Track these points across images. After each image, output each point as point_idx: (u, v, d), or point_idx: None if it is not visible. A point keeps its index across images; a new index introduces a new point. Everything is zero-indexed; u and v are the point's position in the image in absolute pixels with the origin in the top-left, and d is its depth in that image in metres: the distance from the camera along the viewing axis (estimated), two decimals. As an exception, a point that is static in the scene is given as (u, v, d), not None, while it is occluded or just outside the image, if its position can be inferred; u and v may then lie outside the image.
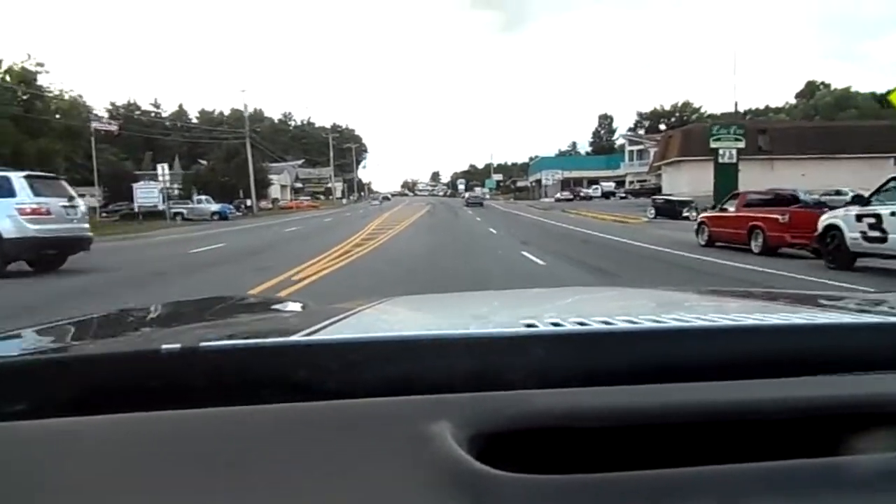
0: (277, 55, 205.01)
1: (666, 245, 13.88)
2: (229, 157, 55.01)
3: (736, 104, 68.59)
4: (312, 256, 12.55)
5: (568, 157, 79.96)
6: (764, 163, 37.43)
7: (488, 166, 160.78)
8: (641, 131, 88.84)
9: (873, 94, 73.96)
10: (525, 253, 12.93)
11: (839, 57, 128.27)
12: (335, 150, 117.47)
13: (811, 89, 79.65)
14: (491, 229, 22.28)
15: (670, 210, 27.84)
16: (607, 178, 69.10)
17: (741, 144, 32.26)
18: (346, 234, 20.65)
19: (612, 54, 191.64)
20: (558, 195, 60.35)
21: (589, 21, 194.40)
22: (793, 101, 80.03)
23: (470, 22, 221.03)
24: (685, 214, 27.15)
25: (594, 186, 62.83)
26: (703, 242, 14.51)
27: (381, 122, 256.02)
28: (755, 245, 12.38)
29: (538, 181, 80.00)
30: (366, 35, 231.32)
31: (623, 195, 53.14)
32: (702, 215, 15.28)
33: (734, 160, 32.06)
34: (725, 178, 31.60)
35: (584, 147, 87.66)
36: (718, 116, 52.13)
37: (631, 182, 59.16)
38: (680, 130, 46.67)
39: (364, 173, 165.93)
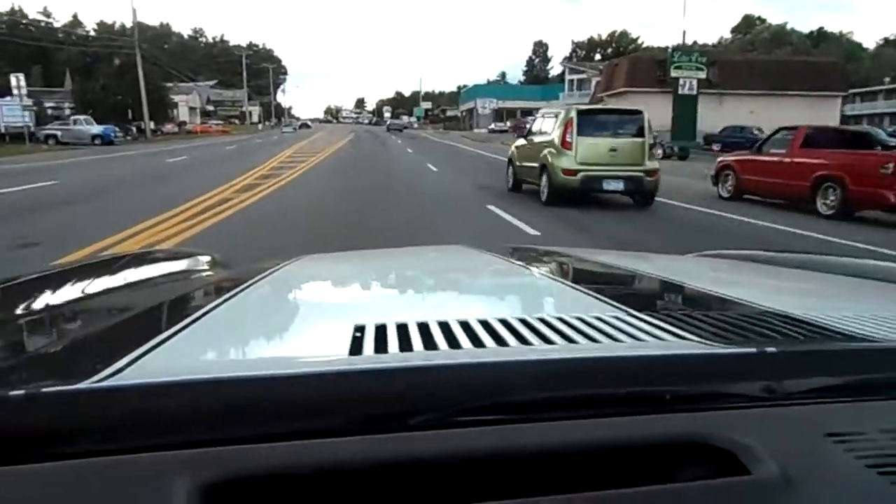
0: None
1: (665, 194, 9.52)
2: (122, 73, 47.20)
3: (684, 34, 65.17)
4: (171, 205, 8.04)
5: (501, 86, 74.99)
6: (711, 97, 34.03)
7: (416, 94, 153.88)
8: (576, 62, 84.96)
9: (811, 33, 72.44)
10: (493, 209, 8.54)
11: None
12: (252, 71, 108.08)
13: (748, 23, 77.34)
14: (430, 165, 18.08)
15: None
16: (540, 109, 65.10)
17: (703, 74, 28.68)
18: (242, 167, 15.87)
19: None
20: (492, 126, 55.93)
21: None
22: (728, 35, 77.60)
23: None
24: (649, 152, 23.39)
25: (530, 118, 58.75)
26: (725, 194, 10.62)
27: (303, 46, 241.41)
28: (824, 204, 8.48)
29: (470, 111, 75.01)
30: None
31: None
32: (727, 158, 11.24)
33: (694, 91, 28.55)
34: (685, 112, 28.17)
35: (515, 77, 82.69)
36: (656, 49, 48.52)
37: None
38: (627, 59, 42.67)
39: (286, 98, 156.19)
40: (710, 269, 1.15)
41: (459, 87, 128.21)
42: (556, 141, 8.61)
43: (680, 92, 28.27)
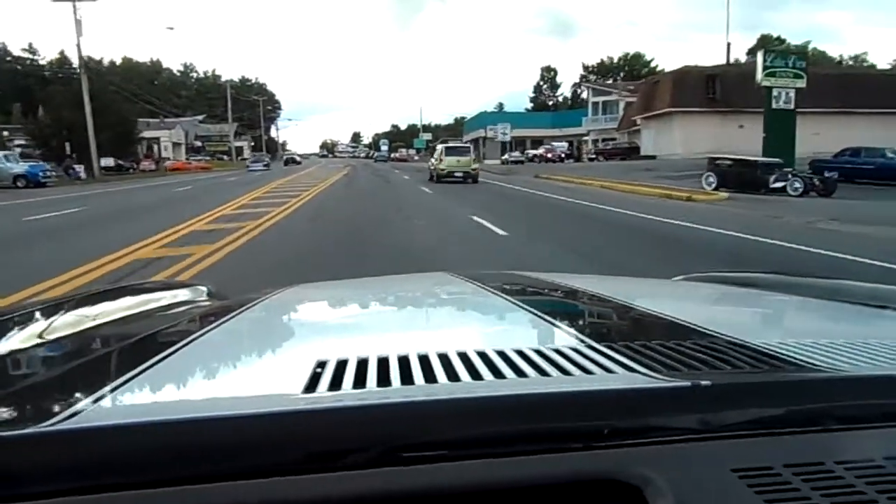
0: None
1: None
2: (78, 105, 40.03)
3: (728, 46, 58.13)
4: None
5: (509, 114, 68.42)
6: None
7: (412, 127, 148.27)
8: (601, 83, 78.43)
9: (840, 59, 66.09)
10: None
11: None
12: (243, 104, 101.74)
13: (764, 44, 70.97)
14: (482, 221, 10.13)
15: (745, 178, 16.52)
16: (554, 138, 58.15)
17: (802, 83, 21.47)
18: (160, 224, 9.41)
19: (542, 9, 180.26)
20: (506, 156, 48.74)
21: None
22: (742, 58, 71.18)
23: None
24: (776, 185, 15.92)
25: (545, 146, 51.50)
26: None
27: (298, 82, 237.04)
28: None
29: (475, 141, 68.11)
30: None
31: (592, 156, 42.04)
32: None
33: (791, 105, 21.40)
34: (781, 132, 20.82)
35: (515, 106, 75.31)
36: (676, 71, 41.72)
37: (594, 141, 47.92)
38: (670, 75, 35.63)
39: (282, 133, 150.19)
40: (683, 296, 1.18)
41: (457, 119, 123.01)
42: (437, 157, 24.01)
43: (774, 106, 21.04)
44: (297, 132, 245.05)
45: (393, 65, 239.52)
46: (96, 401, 0.48)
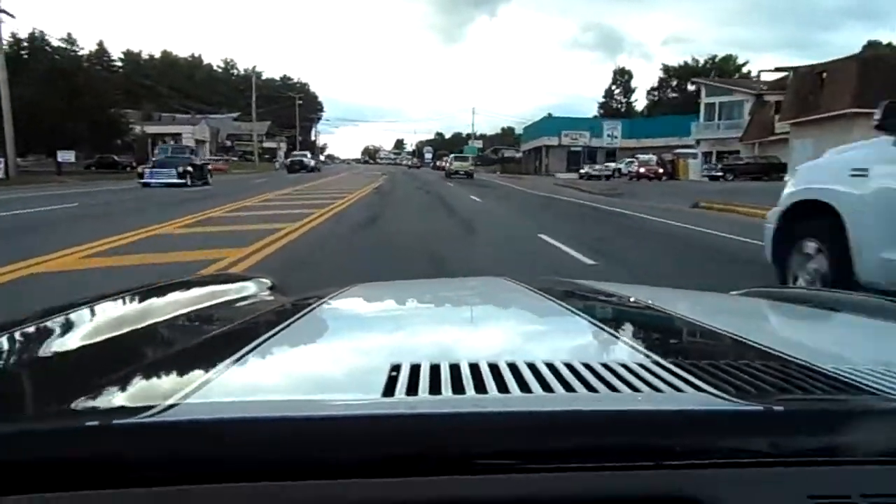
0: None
1: None
2: (50, 84, 31.37)
3: None
4: None
5: (580, 119, 58.23)
6: None
7: (457, 135, 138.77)
8: (669, 93, 67.43)
9: None
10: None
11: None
12: (283, 104, 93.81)
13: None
14: None
15: None
16: (637, 150, 47.67)
17: None
18: None
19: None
20: (586, 169, 38.58)
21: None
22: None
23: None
24: None
25: (627, 160, 40.99)
26: None
27: (344, 87, 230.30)
28: None
29: (536, 150, 57.87)
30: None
31: (716, 174, 31.41)
32: None
33: None
34: None
35: (573, 111, 63.73)
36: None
37: (708, 154, 37.02)
38: (853, 61, 24.71)
39: (324, 137, 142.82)
40: (745, 312, 1.14)
41: (504, 129, 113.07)
42: (449, 161, 41.21)
43: None
44: (339, 137, 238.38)
45: (438, 75, 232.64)
46: (190, 393, 0.50)
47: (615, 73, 71.00)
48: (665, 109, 61.30)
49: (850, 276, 2.96)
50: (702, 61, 64.70)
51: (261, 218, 10.03)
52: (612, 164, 39.84)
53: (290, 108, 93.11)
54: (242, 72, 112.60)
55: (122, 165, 42.84)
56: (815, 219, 3.29)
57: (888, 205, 2.87)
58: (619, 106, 68.17)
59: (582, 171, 39.91)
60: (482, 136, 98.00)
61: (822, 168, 3.58)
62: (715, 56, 64.86)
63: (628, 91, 69.28)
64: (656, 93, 67.33)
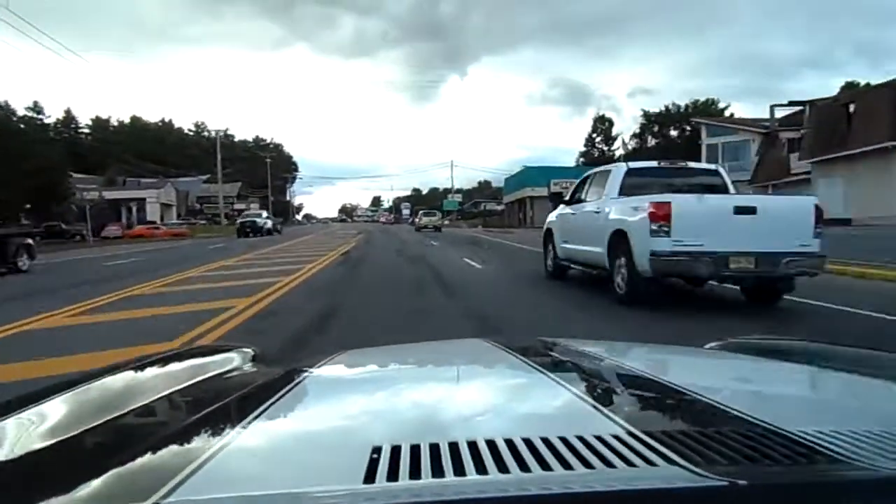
0: (195, 61, 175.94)
1: None
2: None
3: None
4: None
5: (562, 169, 55.47)
6: None
7: (434, 191, 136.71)
8: (651, 139, 65.37)
9: None
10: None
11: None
12: (255, 165, 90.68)
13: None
14: None
15: None
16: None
17: None
18: None
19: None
20: None
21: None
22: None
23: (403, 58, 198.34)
24: None
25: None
26: None
27: (317, 148, 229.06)
28: None
29: (520, 202, 54.74)
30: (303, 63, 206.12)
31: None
32: None
33: None
34: None
35: (548, 163, 60.28)
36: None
37: None
38: (888, 88, 21.82)
39: (303, 198, 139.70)
40: (718, 370, 1.17)
41: (480, 183, 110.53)
42: (419, 216, 45.52)
43: None
44: (317, 197, 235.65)
45: (413, 132, 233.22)
46: (174, 489, 0.51)
47: (595, 120, 69.60)
48: (648, 156, 59.09)
49: (556, 252, 8.64)
50: (683, 105, 63.01)
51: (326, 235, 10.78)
52: None
53: (263, 168, 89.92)
54: (213, 134, 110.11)
55: (70, 234, 38.95)
56: (549, 234, 9.32)
57: (560, 227, 8.79)
58: (601, 154, 65.93)
59: None
60: (459, 191, 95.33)
61: (551, 215, 9.51)
62: (697, 100, 63.27)
63: (609, 138, 67.39)
64: (637, 140, 65.27)
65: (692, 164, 7.83)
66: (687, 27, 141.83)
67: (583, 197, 8.00)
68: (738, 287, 6.68)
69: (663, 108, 64.12)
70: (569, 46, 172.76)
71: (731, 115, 59.59)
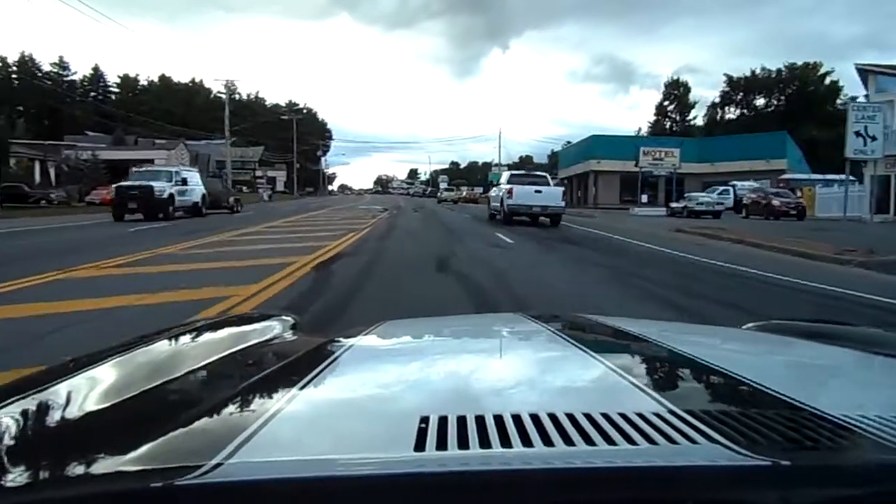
0: (236, 28, 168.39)
1: None
2: None
3: None
4: None
5: (634, 138, 46.18)
6: None
7: (473, 164, 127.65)
8: (733, 109, 55.10)
9: None
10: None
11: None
12: (281, 128, 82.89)
13: None
14: None
15: None
16: (713, 176, 35.67)
17: None
18: None
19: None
20: (684, 203, 26.62)
21: None
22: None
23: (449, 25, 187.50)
24: None
25: (719, 188, 28.69)
26: None
27: (357, 117, 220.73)
28: None
29: (580, 177, 45.69)
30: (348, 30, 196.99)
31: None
32: None
33: None
34: None
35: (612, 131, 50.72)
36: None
37: (890, 179, 23.42)
38: None
39: (341, 169, 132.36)
40: (758, 351, 1.15)
41: (522, 157, 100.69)
42: (440, 191, 56.22)
43: None
44: (354, 168, 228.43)
45: (452, 106, 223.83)
46: (232, 453, 0.51)
47: (667, 85, 58.47)
48: (732, 128, 49.00)
49: (498, 211, 18.73)
50: (774, 71, 52.46)
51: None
52: (704, 196, 27.49)
53: (295, 133, 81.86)
54: (245, 97, 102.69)
55: (35, 198, 31.91)
56: (488, 200, 23.81)
57: (492, 196, 21.25)
58: (674, 124, 55.83)
59: (675, 204, 27.72)
60: (498, 165, 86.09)
61: (491, 192, 23.47)
62: (793, 64, 52.56)
63: (685, 107, 56.76)
64: (717, 109, 54.96)
65: (536, 172, 21.73)
66: (737, 2, 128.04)
67: (497, 184, 20.62)
68: (540, 218, 17.47)
69: (749, 73, 53.64)
70: (613, 22, 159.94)
71: (837, 82, 49.06)
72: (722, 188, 28.94)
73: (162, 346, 1.07)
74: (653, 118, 58.63)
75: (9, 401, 0.74)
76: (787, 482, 0.47)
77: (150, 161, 56.35)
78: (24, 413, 0.74)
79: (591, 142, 44.70)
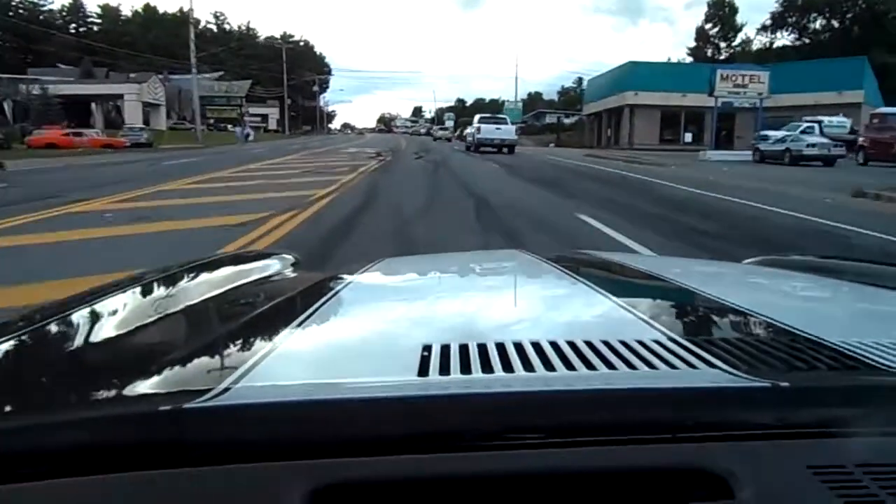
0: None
1: None
2: None
3: None
4: None
5: (675, 64, 39.30)
6: None
7: (479, 101, 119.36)
8: (786, 34, 47.56)
9: None
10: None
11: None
12: (270, 60, 75.37)
13: None
14: None
15: None
16: (781, 110, 29.23)
17: None
18: None
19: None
20: (776, 144, 20.30)
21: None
22: None
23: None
24: None
25: (805, 124, 22.30)
26: None
27: (359, 53, 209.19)
28: None
29: (611, 112, 39.07)
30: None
31: None
32: None
33: None
34: None
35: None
36: None
37: None
38: None
39: (343, 107, 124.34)
40: (758, 284, 1.16)
41: (530, 94, 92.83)
42: (434, 129, 69.69)
43: None
44: (356, 106, 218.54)
45: (457, 41, 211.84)
46: (240, 377, 0.52)
47: (710, 5, 50.05)
48: (789, 56, 41.83)
49: (470, 144, 27.25)
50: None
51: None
52: (813, 136, 21.25)
53: (289, 68, 74.40)
54: (236, 28, 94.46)
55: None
56: (462, 136, 38.28)
57: (468, 133, 30.47)
58: (716, 51, 48.41)
59: (768, 146, 21.50)
60: (503, 102, 78.66)
61: (467, 129, 32.29)
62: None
63: (731, 30, 48.99)
64: (768, 32, 47.37)
65: (498, 115, 30.86)
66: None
67: (471, 123, 29.35)
68: (498, 149, 24.68)
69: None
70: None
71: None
72: (806, 124, 22.64)
73: (164, 283, 1.07)
74: (693, 44, 50.96)
75: (21, 329, 0.76)
76: (785, 402, 0.48)
77: (119, 96, 50.13)
78: (35, 341, 0.76)
79: (628, 70, 37.51)
